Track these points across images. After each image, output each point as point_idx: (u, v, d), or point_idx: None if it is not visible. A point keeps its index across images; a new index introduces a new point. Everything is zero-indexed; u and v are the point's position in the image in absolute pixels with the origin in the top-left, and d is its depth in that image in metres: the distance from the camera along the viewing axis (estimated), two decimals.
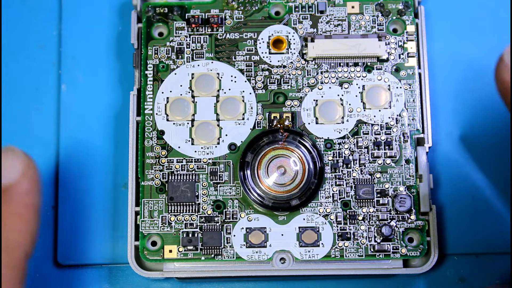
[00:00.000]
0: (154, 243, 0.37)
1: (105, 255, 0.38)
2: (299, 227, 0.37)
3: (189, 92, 0.38)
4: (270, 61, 0.38)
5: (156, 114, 0.38)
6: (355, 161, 0.37)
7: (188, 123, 0.37)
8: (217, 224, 0.37)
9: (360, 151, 0.37)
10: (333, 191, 0.37)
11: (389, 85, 0.38)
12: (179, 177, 0.37)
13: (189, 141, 0.37)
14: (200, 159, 0.37)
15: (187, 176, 0.37)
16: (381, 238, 0.36)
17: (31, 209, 0.27)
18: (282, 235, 0.36)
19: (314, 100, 0.38)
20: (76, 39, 0.41)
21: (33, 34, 0.41)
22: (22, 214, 0.27)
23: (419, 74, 0.38)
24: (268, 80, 0.38)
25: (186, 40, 0.38)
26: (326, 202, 0.37)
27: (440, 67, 0.40)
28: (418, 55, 0.38)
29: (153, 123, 0.37)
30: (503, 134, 0.39)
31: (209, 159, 0.37)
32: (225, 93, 0.38)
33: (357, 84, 0.38)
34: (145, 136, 0.37)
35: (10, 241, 0.26)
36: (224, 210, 0.37)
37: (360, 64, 0.38)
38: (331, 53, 0.38)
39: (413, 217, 0.37)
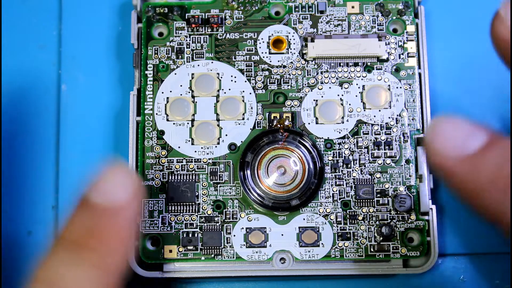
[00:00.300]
0: (154, 243, 0.37)
1: None
2: (299, 227, 0.37)
3: (189, 92, 0.38)
4: (270, 61, 0.38)
5: (156, 114, 0.38)
6: (355, 161, 0.37)
7: (188, 123, 0.37)
8: (217, 224, 0.37)
9: (360, 151, 0.37)
10: (333, 191, 0.37)
11: (389, 85, 0.38)
12: (179, 177, 0.37)
13: (189, 141, 0.37)
14: (200, 159, 0.37)
15: (187, 176, 0.37)
16: (381, 238, 0.36)
17: (131, 234, 0.26)
18: (282, 235, 0.36)
19: (314, 100, 0.38)
20: (76, 39, 0.41)
21: (33, 34, 0.41)
22: (124, 238, 0.26)
23: (419, 74, 0.38)
24: (268, 80, 0.38)
25: (186, 40, 0.38)
26: (326, 202, 0.37)
27: (440, 67, 0.40)
28: (418, 55, 0.38)
29: (153, 123, 0.37)
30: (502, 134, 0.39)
31: (209, 159, 0.37)
32: (225, 93, 0.38)
33: (357, 84, 0.38)
34: (145, 136, 0.37)
35: (112, 264, 0.26)
36: (224, 210, 0.37)
37: (360, 64, 0.38)
38: (331, 53, 0.38)
39: (413, 217, 0.37)
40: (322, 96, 0.38)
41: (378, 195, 0.37)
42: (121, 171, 0.26)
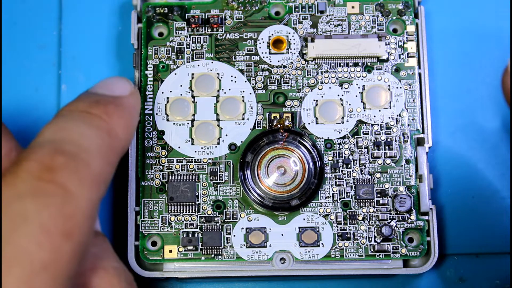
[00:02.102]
0: (154, 243, 0.37)
1: None
2: (299, 227, 0.37)
3: (189, 92, 0.38)
4: (270, 61, 0.38)
5: (156, 114, 0.38)
6: (355, 161, 0.37)
7: (188, 123, 0.37)
8: (217, 224, 0.37)
9: (360, 151, 0.37)
10: (333, 191, 0.37)
11: (389, 85, 0.38)
12: (179, 177, 0.37)
13: (189, 141, 0.37)
14: (200, 159, 0.37)
15: (187, 176, 0.37)
16: (381, 238, 0.36)
17: (133, 122, 0.31)
18: (282, 235, 0.36)
19: (314, 100, 0.38)
20: (76, 39, 0.41)
21: (33, 34, 0.41)
22: (127, 120, 0.30)
23: (419, 74, 0.38)
24: (268, 80, 0.38)
25: (186, 40, 0.38)
26: (326, 202, 0.37)
27: (440, 67, 0.40)
28: (418, 55, 0.38)
29: (153, 123, 0.37)
30: (503, 134, 0.39)
31: (209, 159, 0.37)
32: (225, 93, 0.38)
33: (357, 84, 0.38)
34: (145, 136, 0.37)
35: (114, 135, 0.29)
36: (224, 210, 0.37)
37: (360, 64, 0.38)
38: (331, 53, 0.38)
39: (413, 217, 0.37)
40: (322, 96, 0.38)
41: (378, 195, 0.37)
42: (118, 77, 0.32)
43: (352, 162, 0.37)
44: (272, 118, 0.37)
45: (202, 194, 0.37)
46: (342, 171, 0.37)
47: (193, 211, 0.37)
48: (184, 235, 0.36)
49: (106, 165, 0.28)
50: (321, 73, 0.38)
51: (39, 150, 0.26)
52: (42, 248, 0.23)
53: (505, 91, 0.30)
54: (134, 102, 0.31)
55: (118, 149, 0.29)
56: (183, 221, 0.37)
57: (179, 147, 0.37)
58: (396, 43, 0.38)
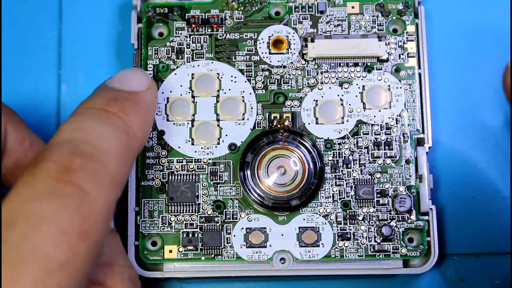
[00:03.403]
0: (154, 243, 0.37)
1: None
2: (299, 227, 0.37)
3: (189, 92, 0.38)
4: (270, 61, 0.38)
5: (156, 114, 0.38)
6: (355, 161, 0.37)
7: (188, 123, 0.37)
8: (217, 224, 0.37)
9: (360, 151, 0.37)
10: (333, 191, 0.37)
11: (389, 85, 0.38)
12: (179, 177, 0.37)
13: (189, 141, 0.37)
14: (200, 159, 0.37)
15: (187, 176, 0.37)
16: (381, 238, 0.36)
17: (150, 119, 0.31)
18: (282, 235, 0.36)
19: (314, 100, 0.38)
20: (76, 39, 0.41)
21: (33, 34, 0.41)
22: (144, 117, 0.30)
23: (419, 74, 0.38)
24: (268, 80, 0.38)
25: (186, 40, 0.38)
26: (326, 202, 0.37)
27: (440, 67, 0.40)
28: (418, 55, 0.38)
29: (153, 123, 0.37)
30: (503, 134, 0.39)
31: (209, 159, 0.37)
32: (225, 93, 0.38)
33: (357, 84, 0.38)
34: None
35: (131, 134, 0.29)
36: (224, 210, 0.37)
37: (360, 64, 0.38)
38: (331, 53, 0.38)
39: (413, 217, 0.37)
40: (322, 96, 0.38)
41: (378, 195, 0.37)
42: (135, 69, 0.32)
43: (352, 162, 0.37)
44: (272, 118, 0.37)
45: (202, 194, 0.37)
46: (342, 171, 0.37)
47: (193, 211, 0.37)
48: (184, 235, 0.36)
49: (123, 166, 0.28)
50: (321, 73, 0.38)
51: (57, 151, 0.26)
52: (59, 248, 0.24)
53: (506, 88, 0.30)
54: (151, 97, 0.31)
55: (135, 148, 0.30)
56: (183, 221, 0.37)
57: (179, 147, 0.37)
58: (396, 43, 0.38)
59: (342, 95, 0.38)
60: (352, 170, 0.37)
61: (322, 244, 0.36)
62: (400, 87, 0.38)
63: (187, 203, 0.37)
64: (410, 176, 0.37)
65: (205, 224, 0.37)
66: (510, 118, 0.32)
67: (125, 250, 0.36)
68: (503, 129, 0.40)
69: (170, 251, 0.36)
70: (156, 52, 0.38)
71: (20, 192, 0.25)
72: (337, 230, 0.37)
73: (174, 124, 0.37)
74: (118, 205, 0.38)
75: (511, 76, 0.29)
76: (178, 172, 0.37)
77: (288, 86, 0.38)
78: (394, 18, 0.39)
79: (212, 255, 0.36)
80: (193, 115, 0.38)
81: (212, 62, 0.38)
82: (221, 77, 0.38)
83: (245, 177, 0.36)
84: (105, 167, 0.27)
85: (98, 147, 0.27)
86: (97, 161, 0.26)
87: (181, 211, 0.37)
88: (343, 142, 0.37)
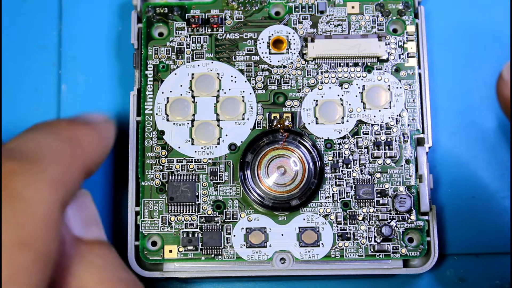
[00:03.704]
0: (154, 243, 0.37)
1: None
2: (299, 227, 0.37)
3: (189, 92, 0.38)
4: (270, 61, 0.38)
5: (156, 114, 0.38)
6: (355, 161, 0.37)
7: (188, 123, 0.37)
8: (217, 224, 0.37)
9: (360, 151, 0.37)
10: (333, 191, 0.37)
11: (389, 85, 0.38)
12: (179, 177, 0.37)
13: (189, 141, 0.37)
14: (200, 159, 0.37)
15: (187, 176, 0.37)
16: (381, 238, 0.36)
17: (101, 139, 0.29)
18: (282, 235, 0.36)
19: (314, 100, 0.38)
20: (76, 39, 0.41)
21: (33, 34, 0.41)
22: (94, 136, 0.29)
23: (419, 74, 0.38)
24: (268, 80, 0.38)
25: (186, 40, 0.38)
26: (326, 202, 0.37)
27: (440, 67, 0.40)
28: (418, 55, 0.38)
29: (153, 123, 0.37)
30: (503, 134, 0.39)
31: (209, 159, 0.37)
32: (225, 93, 0.38)
33: (357, 84, 0.38)
34: (145, 136, 0.37)
35: (77, 144, 0.27)
36: (224, 210, 0.37)
37: (360, 64, 0.38)
38: (331, 53, 0.38)
39: (413, 217, 0.37)
40: (322, 96, 0.38)
41: (378, 195, 0.37)
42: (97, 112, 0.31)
43: (352, 162, 0.37)
44: (272, 118, 0.37)
45: (202, 194, 0.37)
46: (342, 171, 0.37)
47: (193, 211, 0.37)
48: (184, 235, 0.36)
49: (65, 170, 0.26)
50: (321, 73, 0.38)
51: None
52: None
53: (499, 97, 0.30)
54: (106, 125, 0.30)
55: (82, 160, 0.27)
56: (183, 221, 0.37)
57: (179, 147, 0.37)
58: (396, 43, 0.38)
59: (342, 95, 0.38)
60: (352, 170, 0.37)
61: (322, 244, 0.36)
62: (400, 87, 0.38)
63: (187, 203, 0.37)
64: (410, 176, 0.37)
65: (205, 224, 0.37)
66: (510, 122, 0.32)
67: (125, 250, 0.36)
68: (503, 129, 0.39)
69: (170, 251, 0.36)
70: (156, 52, 0.38)
71: None
72: (337, 230, 0.37)
73: (174, 124, 0.37)
74: (118, 205, 0.39)
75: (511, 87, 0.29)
76: (178, 172, 0.37)
77: (288, 86, 0.38)
78: (394, 18, 0.39)
79: (212, 255, 0.36)
80: (193, 115, 0.38)
81: (212, 62, 0.38)
82: (221, 77, 0.38)
83: (245, 177, 0.36)
84: (43, 169, 0.25)
85: (36, 151, 0.25)
86: (33, 163, 0.25)
87: (181, 211, 0.37)
88: (343, 142, 0.37)
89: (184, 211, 0.37)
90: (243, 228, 0.36)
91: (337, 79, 0.38)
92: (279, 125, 0.37)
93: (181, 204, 0.37)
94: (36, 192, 0.24)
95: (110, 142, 0.30)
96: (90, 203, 0.28)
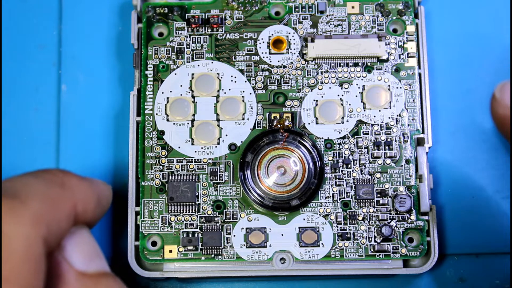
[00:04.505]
0: (154, 243, 0.37)
1: (105, 255, 0.38)
2: (299, 227, 0.37)
3: (189, 92, 0.38)
4: (270, 61, 0.38)
5: (156, 114, 0.38)
6: (355, 161, 0.37)
7: (188, 123, 0.37)
8: (217, 224, 0.37)
9: (360, 151, 0.37)
10: (333, 191, 0.37)
11: (389, 85, 0.38)
12: (179, 177, 0.37)
13: (189, 141, 0.37)
14: (200, 159, 0.37)
15: (187, 176, 0.37)
16: (381, 238, 0.36)
17: (95, 193, 0.29)
18: (282, 235, 0.36)
19: (314, 100, 0.38)
20: (76, 39, 0.41)
21: (33, 34, 0.41)
22: (88, 189, 0.29)
23: (419, 74, 0.38)
24: (268, 80, 0.38)
25: (186, 40, 0.38)
26: (326, 202, 0.37)
27: (440, 67, 0.40)
28: (418, 55, 0.38)
29: (153, 123, 0.37)
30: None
31: (209, 159, 0.37)
32: (225, 93, 0.38)
33: (357, 84, 0.38)
34: (145, 136, 0.37)
35: (69, 190, 0.27)
36: (224, 210, 0.37)
37: (360, 64, 0.38)
38: (331, 53, 0.38)
39: (413, 217, 0.37)
40: (322, 96, 0.38)
41: (378, 195, 0.37)
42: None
43: (352, 162, 0.37)
44: (272, 118, 0.37)
45: (202, 194, 0.37)
46: (342, 171, 0.37)
47: (193, 211, 0.37)
48: (184, 235, 0.36)
49: (49, 208, 0.26)
50: (321, 73, 0.38)
51: None
52: None
53: (494, 117, 0.31)
54: (103, 185, 0.31)
55: (71, 201, 0.27)
56: (183, 221, 0.37)
57: (179, 147, 0.37)
58: (396, 43, 0.38)
59: (342, 95, 0.38)
60: (352, 170, 0.37)
61: (322, 244, 0.36)
62: (400, 87, 0.38)
63: (187, 203, 0.37)
64: (410, 176, 0.37)
65: (205, 224, 0.37)
66: (510, 124, 0.32)
67: (125, 250, 0.36)
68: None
69: (170, 251, 0.36)
70: (156, 52, 0.38)
71: None
72: (337, 230, 0.37)
73: (174, 124, 0.37)
74: (118, 205, 0.39)
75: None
76: (178, 172, 0.37)
77: (288, 86, 0.38)
78: (394, 18, 0.39)
79: (212, 255, 0.36)
80: (193, 115, 0.38)
81: (212, 62, 0.38)
82: (221, 77, 0.38)
83: (245, 177, 0.36)
84: (26, 206, 0.25)
85: (22, 190, 0.26)
86: (16, 200, 0.25)
87: (181, 211, 0.37)
88: (343, 142, 0.37)
89: (184, 211, 0.37)
90: (243, 228, 0.36)
91: (337, 79, 0.38)
92: (279, 125, 0.37)
93: (181, 204, 0.37)
94: (16, 227, 0.24)
95: (106, 201, 0.31)
96: (89, 237, 0.28)
